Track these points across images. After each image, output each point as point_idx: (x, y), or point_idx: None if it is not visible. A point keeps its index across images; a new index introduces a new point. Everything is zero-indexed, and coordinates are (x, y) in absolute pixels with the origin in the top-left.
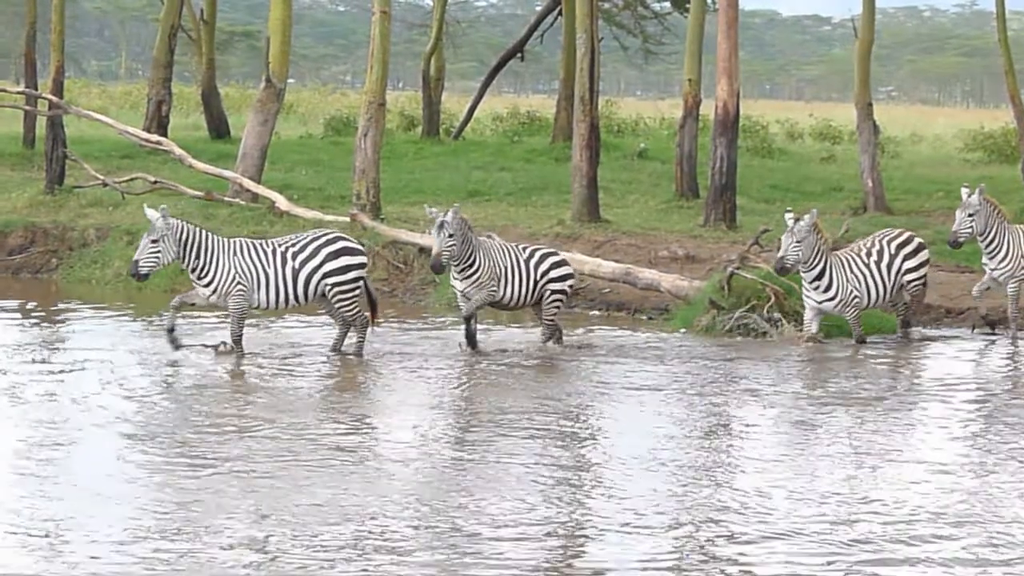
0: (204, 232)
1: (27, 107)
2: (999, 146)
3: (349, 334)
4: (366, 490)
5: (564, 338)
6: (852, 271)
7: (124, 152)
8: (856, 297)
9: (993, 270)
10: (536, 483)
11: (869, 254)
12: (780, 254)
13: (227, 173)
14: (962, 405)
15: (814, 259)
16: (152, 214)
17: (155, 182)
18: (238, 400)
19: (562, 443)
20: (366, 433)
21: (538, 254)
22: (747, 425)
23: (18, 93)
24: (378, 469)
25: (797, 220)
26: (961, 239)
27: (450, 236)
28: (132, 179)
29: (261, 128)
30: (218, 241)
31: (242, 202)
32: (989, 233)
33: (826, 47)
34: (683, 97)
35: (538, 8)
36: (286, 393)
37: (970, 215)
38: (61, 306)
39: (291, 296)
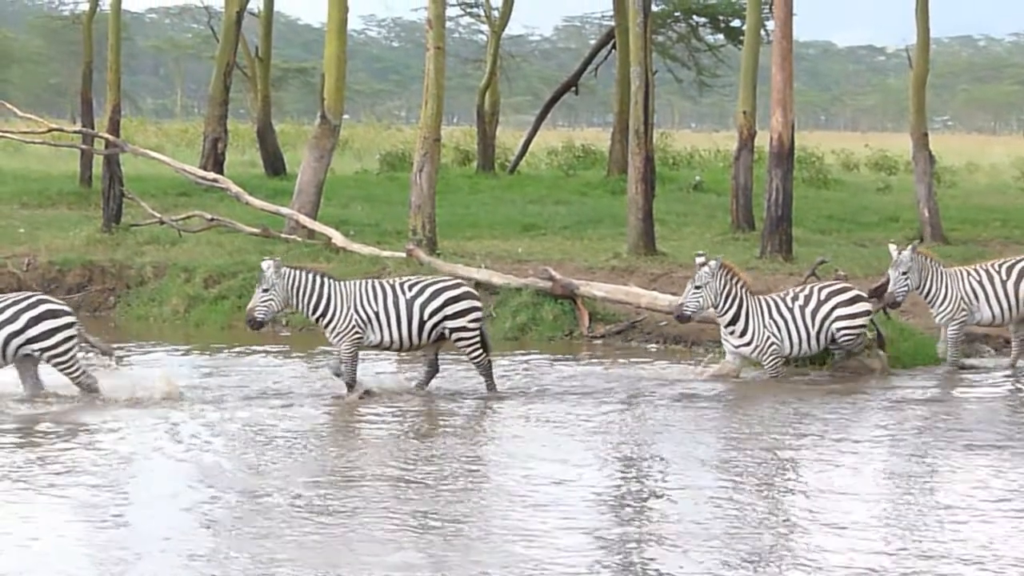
0: None
1: (84, 146)
2: None
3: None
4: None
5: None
6: (772, 316)
7: (181, 190)
8: (773, 344)
9: (935, 316)
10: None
11: (795, 299)
12: (679, 301)
13: (283, 210)
14: None
15: (725, 305)
16: None
17: (212, 219)
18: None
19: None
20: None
21: (428, 291)
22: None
23: (75, 132)
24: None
25: (702, 265)
26: (899, 299)
27: (264, 291)
28: (189, 217)
29: (317, 164)
30: None
31: (299, 239)
32: (925, 284)
33: (881, 77)
34: (738, 129)
35: (592, 42)
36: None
37: (903, 273)
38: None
39: None
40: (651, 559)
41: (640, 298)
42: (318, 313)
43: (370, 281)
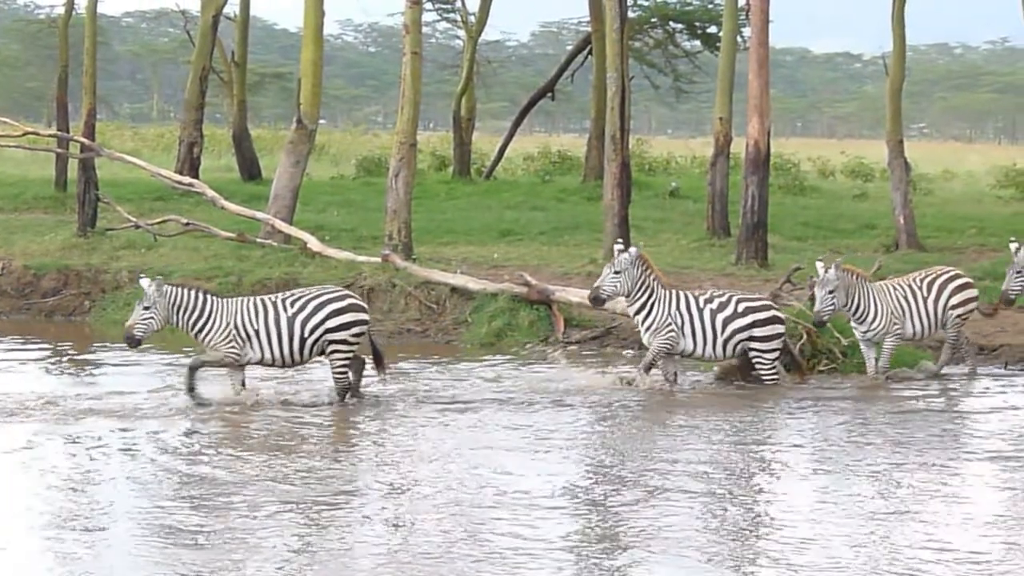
0: None
1: (59, 150)
2: None
3: None
4: None
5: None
6: (678, 308)
7: (156, 194)
8: (671, 332)
9: (865, 333)
10: None
11: (709, 301)
12: (596, 283)
13: (259, 215)
14: None
15: (636, 293)
16: None
17: (187, 224)
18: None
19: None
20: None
21: (310, 306)
22: None
23: (50, 136)
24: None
25: (621, 252)
26: (825, 317)
27: (145, 309)
28: (164, 221)
29: (293, 169)
30: None
31: (274, 243)
32: (853, 302)
33: (858, 84)
34: (714, 135)
35: (569, 47)
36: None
37: (830, 292)
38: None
39: None
40: (626, 563)
41: (616, 304)
42: (196, 330)
43: (252, 298)
